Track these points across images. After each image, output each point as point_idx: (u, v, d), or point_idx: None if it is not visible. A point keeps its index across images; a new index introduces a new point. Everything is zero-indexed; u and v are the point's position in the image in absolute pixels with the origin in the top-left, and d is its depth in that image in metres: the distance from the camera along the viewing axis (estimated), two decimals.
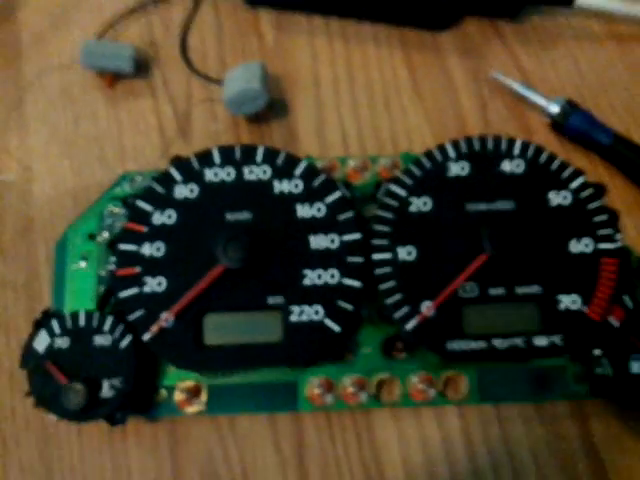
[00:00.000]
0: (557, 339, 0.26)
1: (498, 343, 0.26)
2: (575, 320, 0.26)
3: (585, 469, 0.28)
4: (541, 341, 0.26)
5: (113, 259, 0.27)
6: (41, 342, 0.27)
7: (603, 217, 0.28)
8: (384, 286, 0.27)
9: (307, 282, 0.27)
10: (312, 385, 0.28)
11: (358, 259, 0.27)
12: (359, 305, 0.27)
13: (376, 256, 0.27)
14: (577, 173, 0.28)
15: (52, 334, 0.27)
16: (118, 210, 0.30)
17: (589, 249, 0.27)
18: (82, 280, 0.29)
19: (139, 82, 0.36)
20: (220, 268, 0.26)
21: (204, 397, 0.28)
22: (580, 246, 0.27)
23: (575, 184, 0.28)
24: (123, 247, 0.27)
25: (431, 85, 0.35)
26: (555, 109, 0.33)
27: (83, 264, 0.29)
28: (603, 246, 0.27)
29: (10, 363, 0.30)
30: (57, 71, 0.36)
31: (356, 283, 0.27)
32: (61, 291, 0.29)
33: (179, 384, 0.28)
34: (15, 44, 0.37)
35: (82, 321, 0.27)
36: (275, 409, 0.28)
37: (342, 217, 0.28)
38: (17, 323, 0.31)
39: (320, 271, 0.27)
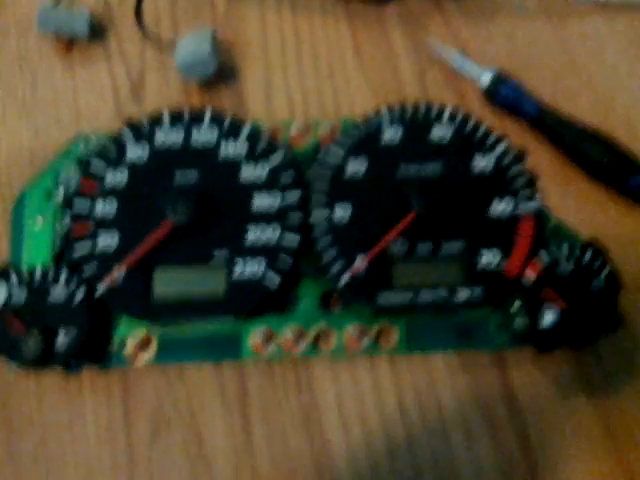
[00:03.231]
0: (478, 291, 0.29)
1: (424, 296, 0.29)
2: (495, 274, 0.29)
3: (503, 412, 0.30)
4: (463, 294, 0.29)
5: (68, 215, 0.29)
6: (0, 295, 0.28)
7: (523, 180, 0.30)
8: (321, 242, 0.29)
9: (250, 237, 0.29)
10: (255, 335, 0.30)
11: (298, 217, 0.29)
12: (298, 260, 0.29)
13: (314, 213, 0.29)
14: (500, 139, 0.30)
15: (10, 287, 0.28)
16: (73, 169, 0.31)
17: (509, 209, 0.30)
18: (38, 236, 0.31)
19: (95, 46, 0.37)
20: (168, 224, 0.28)
21: (154, 347, 0.30)
22: (501, 206, 0.30)
23: (499, 149, 0.30)
24: (78, 204, 0.29)
25: (373, 54, 0.37)
26: (487, 79, 0.35)
27: (40, 220, 0.31)
28: (522, 207, 0.30)
29: None
30: (14, 36, 0.37)
31: (296, 238, 0.29)
32: (19, 247, 0.31)
33: (130, 335, 0.30)
34: None
35: (38, 275, 0.28)
36: (221, 358, 0.30)
37: (283, 177, 0.30)
38: None
39: (263, 227, 0.29)
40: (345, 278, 0.28)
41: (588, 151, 0.34)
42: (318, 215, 0.29)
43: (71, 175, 0.31)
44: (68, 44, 0.36)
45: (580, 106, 0.36)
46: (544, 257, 0.29)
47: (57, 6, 0.36)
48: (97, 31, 0.37)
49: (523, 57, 0.38)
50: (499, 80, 0.35)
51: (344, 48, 0.37)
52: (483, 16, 0.39)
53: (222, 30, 0.37)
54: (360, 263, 0.29)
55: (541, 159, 0.35)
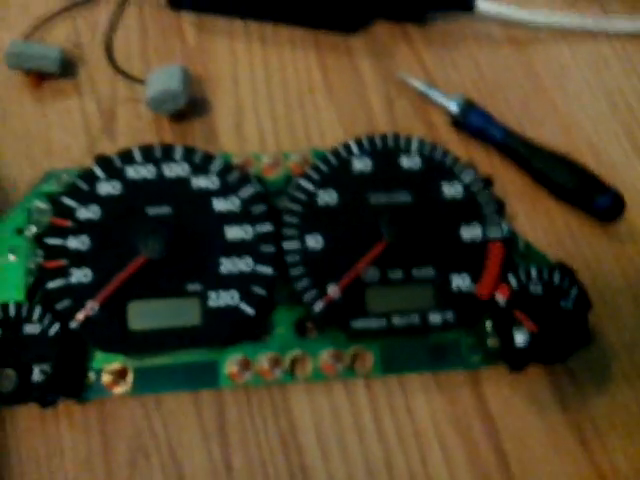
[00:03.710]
0: (450, 315, 0.29)
1: (397, 320, 0.29)
2: (465, 298, 0.30)
3: (479, 430, 0.31)
4: (435, 318, 0.29)
5: (40, 252, 0.29)
6: None
7: (491, 206, 0.31)
8: (294, 272, 0.29)
9: (223, 270, 0.29)
10: (231, 363, 0.30)
11: (270, 248, 0.30)
12: (272, 290, 0.29)
13: (286, 245, 0.30)
14: (468, 167, 0.31)
15: None
16: (44, 206, 0.31)
17: (478, 235, 0.30)
18: (10, 273, 0.31)
19: (65, 82, 0.37)
20: (141, 259, 0.28)
21: (130, 378, 0.30)
22: (470, 233, 0.30)
23: (466, 177, 0.31)
24: (50, 241, 0.29)
25: (343, 85, 0.38)
26: (454, 108, 0.36)
27: (12, 257, 0.31)
28: (490, 232, 0.30)
29: None
30: None
31: (269, 270, 0.29)
32: None
33: (106, 367, 0.30)
34: None
35: (12, 311, 0.29)
36: (198, 387, 0.30)
37: (255, 210, 0.30)
38: None
39: (235, 259, 0.29)
40: (319, 305, 0.29)
41: (554, 173, 0.35)
42: (290, 246, 0.30)
43: (42, 212, 0.31)
44: (38, 79, 0.37)
45: (546, 131, 0.37)
46: (513, 280, 0.30)
47: (27, 42, 0.36)
48: (68, 66, 0.37)
49: (489, 84, 0.39)
50: (466, 108, 0.36)
51: (313, 79, 0.38)
52: (448, 44, 0.40)
53: (193, 64, 0.37)
54: (333, 291, 0.29)
55: (509, 183, 0.36)
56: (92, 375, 0.30)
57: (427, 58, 0.39)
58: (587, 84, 0.39)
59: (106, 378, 0.30)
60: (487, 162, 0.36)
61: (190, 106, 0.36)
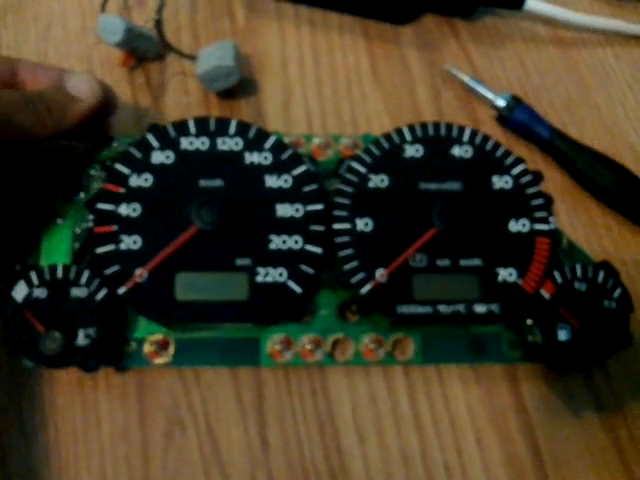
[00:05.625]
0: (495, 307, 0.29)
1: (442, 308, 0.29)
2: (511, 291, 0.30)
3: (515, 425, 0.31)
4: (480, 308, 0.29)
5: (91, 217, 0.29)
6: (20, 292, 0.28)
7: (539, 201, 0.31)
8: (343, 253, 0.29)
9: (273, 246, 0.29)
10: (273, 342, 0.30)
11: (320, 228, 0.30)
12: (319, 270, 0.29)
13: (336, 226, 0.30)
14: (518, 160, 0.31)
15: (30, 285, 0.28)
16: (95, 172, 0.31)
17: (526, 229, 0.30)
18: (57, 237, 0.31)
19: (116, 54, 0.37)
20: (194, 229, 0.28)
21: (172, 350, 0.30)
22: (518, 226, 0.30)
23: (516, 170, 0.31)
24: (101, 206, 0.29)
25: (390, 74, 0.38)
26: (501, 103, 0.36)
27: (59, 221, 0.31)
28: (538, 227, 0.30)
29: None
30: None
31: (317, 249, 0.29)
32: (37, 246, 0.31)
33: (149, 337, 0.30)
34: None
35: (60, 273, 0.28)
36: (238, 363, 0.30)
37: (306, 189, 0.30)
38: None
39: (285, 237, 0.29)
40: (367, 288, 0.29)
41: (598, 176, 0.35)
42: (340, 228, 0.29)
43: (93, 179, 0.31)
44: (130, 59, 0.37)
45: (588, 133, 0.38)
46: (558, 276, 0.30)
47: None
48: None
49: (534, 83, 0.39)
50: (514, 104, 0.36)
51: (361, 66, 0.38)
52: (495, 41, 0.40)
53: (242, 43, 0.37)
54: (381, 275, 0.29)
55: (550, 182, 0.36)
56: (134, 344, 0.30)
57: (474, 53, 0.39)
58: (630, 88, 0.39)
59: (148, 348, 0.30)
60: (529, 161, 0.36)
61: (238, 85, 0.36)
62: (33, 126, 0.27)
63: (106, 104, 0.31)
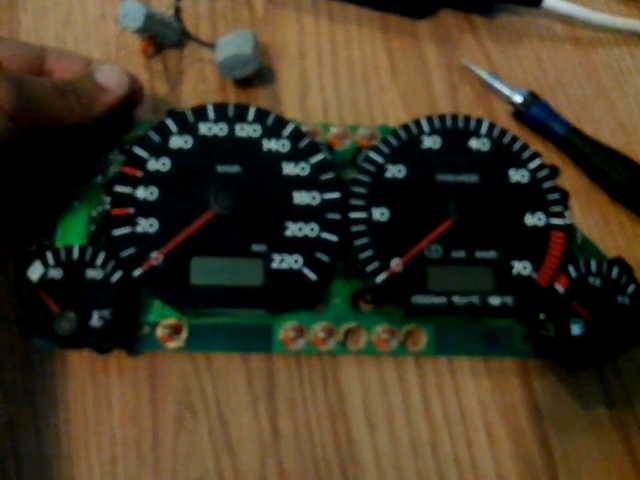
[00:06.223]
0: (509, 300, 0.29)
1: (457, 300, 0.29)
2: (525, 284, 0.30)
3: (525, 420, 0.31)
4: (495, 300, 0.29)
5: (108, 199, 0.29)
6: (35, 272, 0.28)
7: (555, 195, 0.31)
8: (358, 242, 0.29)
9: (289, 233, 0.29)
10: (286, 329, 0.30)
11: (336, 216, 0.30)
12: (335, 258, 0.29)
13: (353, 214, 0.30)
14: (535, 155, 0.31)
15: (46, 265, 0.28)
16: (113, 156, 0.31)
17: (541, 223, 0.30)
18: (73, 218, 0.31)
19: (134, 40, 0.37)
20: (210, 213, 0.28)
21: (184, 334, 0.30)
22: (534, 219, 0.30)
23: (533, 164, 0.31)
24: (119, 189, 0.29)
25: (407, 67, 0.38)
26: (518, 99, 0.36)
27: (76, 204, 0.31)
28: (554, 221, 0.30)
29: None
30: None
31: (333, 237, 0.29)
32: (53, 226, 0.31)
33: (162, 321, 0.30)
34: None
35: (75, 254, 0.29)
36: (251, 349, 0.30)
37: (323, 177, 0.30)
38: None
39: (301, 224, 0.29)
40: (381, 277, 0.29)
41: (613, 173, 0.35)
42: (356, 217, 0.30)
43: (110, 162, 0.31)
44: (150, 46, 0.37)
45: (603, 131, 0.38)
46: (572, 271, 0.30)
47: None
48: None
49: (550, 80, 0.39)
50: (531, 100, 0.36)
51: (378, 59, 0.38)
52: (512, 38, 0.40)
53: (260, 33, 0.37)
54: (396, 264, 0.29)
55: (565, 178, 0.36)
56: (147, 328, 0.30)
57: (491, 49, 0.39)
58: None
59: (161, 332, 0.30)
60: (545, 157, 0.36)
61: (256, 73, 0.36)
62: (62, 114, 0.28)
63: (133, 95, 0.31)
